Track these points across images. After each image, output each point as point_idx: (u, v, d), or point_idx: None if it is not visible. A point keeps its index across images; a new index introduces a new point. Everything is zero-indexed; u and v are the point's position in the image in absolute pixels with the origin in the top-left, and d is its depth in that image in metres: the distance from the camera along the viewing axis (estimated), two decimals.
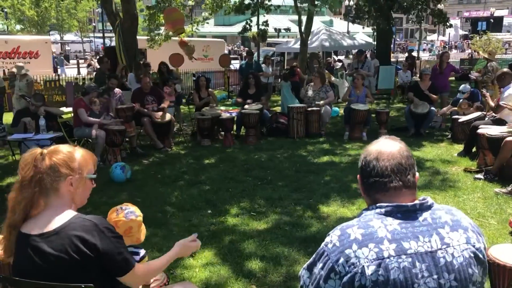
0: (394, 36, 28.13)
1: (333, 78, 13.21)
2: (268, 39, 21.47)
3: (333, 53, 21.57)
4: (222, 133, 8.54)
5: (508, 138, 5.44)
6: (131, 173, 6.21)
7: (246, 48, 30.75)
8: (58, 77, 17.10)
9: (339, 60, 18.37)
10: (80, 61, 28.31)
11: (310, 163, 6.82)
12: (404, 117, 9.20)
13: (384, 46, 17.65)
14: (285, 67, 15.68)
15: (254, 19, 16.11)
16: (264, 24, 15.62)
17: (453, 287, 1.35)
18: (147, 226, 2.43)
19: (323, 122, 8.86)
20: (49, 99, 12.10)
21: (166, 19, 11.52)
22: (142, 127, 7.92)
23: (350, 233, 1.39)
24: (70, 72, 23.89)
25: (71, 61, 32.33)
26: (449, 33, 46.17)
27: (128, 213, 2.25)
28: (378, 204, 1.44)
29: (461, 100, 8.07)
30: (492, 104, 6.75)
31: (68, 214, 1.76)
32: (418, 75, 13.38)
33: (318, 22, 26.32)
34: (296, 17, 13.94)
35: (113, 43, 13.97)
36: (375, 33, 18.51)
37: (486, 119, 6.84)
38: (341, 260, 1.35)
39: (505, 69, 7.07)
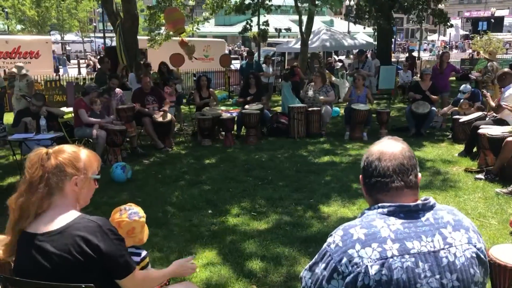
0: (394, 36, 28.12)
1: (333, 78, 13.21)
2: (268, 39, 21.49)
3: (333, 53, 21.56)
4: (223, 133, 8.54)
5: (509, 138, 5.43)
6: (132, 173, 6.21)
7: (247, 48, 30.75)
8: (59, 77, 17.10)
9: (340, 60, 18.36)
10: (81, 61, 28.33)
11: (311, 163, 6.82)
12: (404, 117, 9.20)
13: (384, 46, 17.64)
14: (286, 67, 15.69)
15: (255, 19, 16.11)
16: (265, 24, 15.63)
17: (455, 287, 1.35)
18: (148, 226, 2.43)
19: (324, 122, 8.86)
20: (50, 99, 12.09)
21: (167, 19, 11.53)
22: (143, 127, 7.92)
23: (353, 233, 1.39)
24: (71, 72, 23.93)
25: (71, 61, 32.37)
26: (450, 33, 46.15)
27: (131, 214, 2.25)
28: (380, 204, 1.44)
29: (461, 100, 8.06)
30: (492, 104, 6.74)
31: (72, 214, 1.76)
32: (418, 75, 13.36)
33: (318, 22, 26.32)
34: (296, 17, 13.94)
35: (114, 43, 13.97)
36: (375, 33, 18.49)
37: (487, 119, 6.84)
38: (344, 260, 1.35)
39: (506, 69, 7.07)
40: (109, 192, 5.47)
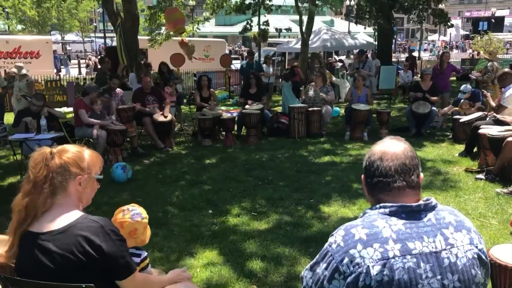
0: (395, 36, 28.11)
1: (334, 78, 13.21)
2: (269, 39, 21.49)
3: (334, 53, 21.56)
4: (223, 133, 8.54)
5: (510, 138, 5.43)
6: (132, 173, 6.21)
7: (247, 48, 30.75)
8: (59, 77, 17.11)
9: (340, 60, 18.37)
10: (81, 61, 28.32)
11: (311, 163, 6.82)
12: (405, 117, 9.20)
13: (385, 46, 17.64)
14: (286, 67, 15.68)
15: (255, 19, 16.11)
16: (265, 24, 15.62)
17: (456, 287, 1.35)
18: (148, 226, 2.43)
19: (324, 122, 8.86)
20: (50, 99, 12.11)
21: (167, 19, 11.55)
22: (143, 127, 7.92)
23: (355, 233, 1.39)
24: (73, 72, 23.94)
25: (72, 61, 32.36)
26: (450, 33, 46.12)
27: (134, 215, 2.25)
28: (382, 204, 1.44)
29: (462, 100, 8.06)
30: (493, 104, 6.74)
31: (75, 214, 1.77)
32: (419, 75, 13.37)
33: (319, 22, 26.31)
34: (297, 17, 13.94)
35: (114, 43, 13.98)
36: (376, 33, 18.49)
37: (487, 119, 6.83)
38: (346, 260, 1.35)
39: (506, 69, 7.07)
40: (110, 192, 5.47)
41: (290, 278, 3.44)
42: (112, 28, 10.86)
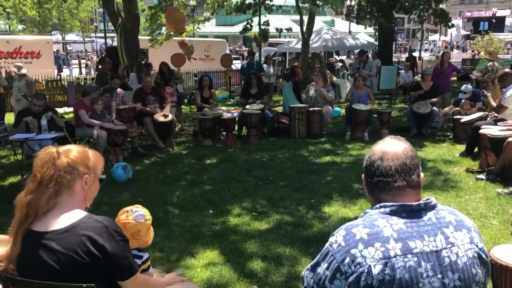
0: (396, 36, 28.09)
1: (334, 78, 13.21)
2: (269, 39, 21.48)
3: (334, 53, 21.55)
4: (224, 133, 8.55)
5: (511, 139, 5.43)
6: (133, 173, 6.21)
7: (248, 48, 30.75)
8: (60, 77, 17.12)
9: (341, 60, 18.36)
10: (82, 61, 28.36)
11: (312, 163, 6.82)
12: (405, 117, 9.19)
13: (386, 46, 17.63)
14: (286, 67, 15.68)
15: (256, 19, 16.11)
16: (265, 24, 15.62)
17: (457, 286, 1.35)
18: None
19: (325, 122, 8.85)
20: (51, 99, 12.12)
21: (168, 19, 11.55)
22: (144, 127, 7.93)
23: (356, 232, 1.39)
24: (75, 72, 23.98)
25: (72, 61, 32.38)
26: (451, 33, 46.08)
27: (137, 216, 2.25)
28: (382, 204, 1.44)
29: (463, 101, 8.05)
30: (494, 104, 6.73)
31: (79, 214, 1.77)
32: (419, 75, 13.36)
33: (319, 22, 26.30)
34: (297, 17, 13.93)
35: (115, 43, 13.99)
36: (376, 33, 18.48)
37: (488, 119, 6.83)
38: (347, 260, 1.35)
39: (507, 69, 7.07)
40: (110, 192, 5.47)
41: (290, 278, 3.44)
42: (113, 28, 10.85)
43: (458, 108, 8.17)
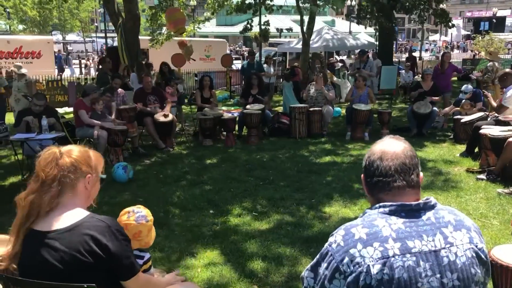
0: (397, 36, 28.07)
1: (335, 78, 13.20)
2: (270, 39, 21.48)
3: (335, 53, 21.55)
4: (224, 133, 8.55)
5: (511, 139, 5.43)
6: (133, 173, 6.22)
7: (248, 48, 30.75)
8: (60, 77, 17.12)
9: (341, 61, 18.36)
10: (82, 61, 28.36)
11: (312, 163, 6.82)
12: (406, 117, 9.19)
13: (386, 46, 17.62)
14: (287, 67, 15.68)
15: (256, 19, 16.11)
16: (265, 24, 15.61)
17: (456, 286, 1.35)
18: None
19: (325, 122, 8.85)
20: (51, 99, 12.13)
21: (168, 19, 11.56)
22: (144, 127, 7.93)
23: (355, 232, 1.39)
24: (77, 72, 23.98)
25: (73, 61, 32.39)
26: (452, 33, 46.06)
27: (139, 217, 2.25)
28: (381, 204, 1.44)
29: (463, 101, 8.05)
30: (494, 104, 6.73)
31: (81, 213, 1.78)
32: (420, 75, 13.36)
33: (320, 22, 26.28)
34: (298, 17, 13.92)
35: (116, 43, 14.00)
36: (377, 33, 18.46)
37: (489, 119, 6.83)
38: (346, 259, 1.35)
39: (507, 70, 7.06)
40: (111, 192, 5.47)
41: (291, 278, 3.44)
42: (113, 28, 10.86)
43: (458, 108, 8.17)
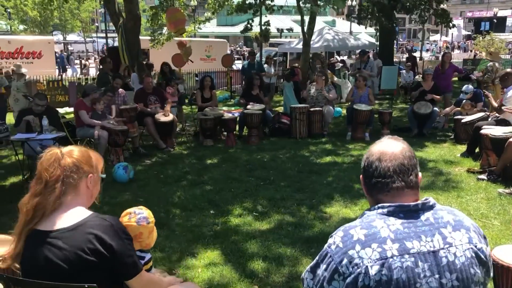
0: (397, 36, 28.06)
1: (335, 79, 13.19)
2: (270, 39, 21.49)
3: (335, 53, 21.55)
4: (225, 133, 8.55)
5: None
6: (134, 173, 6.22)
7: (249, 48, 30.76)
8: (61, 77, 17.14)
9: (342, 61, 18.36)
10: (82, 61, 28.38)
11: (313, 164, 6.82)
12: (406, 117, 9.18)
13: (387, 46, 17.61)
14: (287, 68, 15.68)
15: (256, 19, 16.10)
16: (266, 24, 15.61)
17: (455, 286, 1.35)
18: None
19: (326, 122, 8.85)
20: (52, 99, 12.14)
21: (169, 19, 11.56)
22: (145, 127, 7.93)
23: (353, 233, 1.39)
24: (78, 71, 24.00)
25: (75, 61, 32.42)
26: (452, 34, 46.03)
27: (140, 219, 2.25)
28: (380, 205, 1.44)
29: (464, 101, 8.05)
30: (495, 104, 6.73)
31: (84, 212, 1.79)
32: (420, 75, 13.36)
33: (320, 22, 26.27)
34: (298, 17, 13.91)
35: (116, 43, 14.01)
36: (377, 33, 18.45)
37: (489, 119, 6.83)
38: (345, 261, 1.35)
39: (509, 70, 7.05)
40: (111, 192, 5.47)
41: (291, 278, 3.44)
42: (114, 28, 10.86)
43: (459, 109, 8.17)
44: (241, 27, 15.28)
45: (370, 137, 8.23)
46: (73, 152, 1.85)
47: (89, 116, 6.92)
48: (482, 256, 1.40)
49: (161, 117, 7.77)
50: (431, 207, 1.45)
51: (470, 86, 8.30)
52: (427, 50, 39.36)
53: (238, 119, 8.61)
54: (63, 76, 20.30)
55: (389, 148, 1.49)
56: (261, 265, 3.65)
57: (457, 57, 26.43)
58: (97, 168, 1.91)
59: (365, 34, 30.57)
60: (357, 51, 17.78)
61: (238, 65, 19.79)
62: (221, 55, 17.18)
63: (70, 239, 1.69)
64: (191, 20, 18.51)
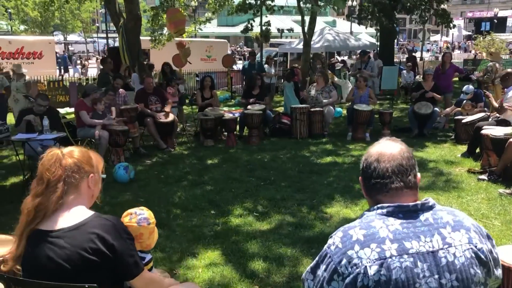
0: (397, 36, 28.04)
1: (336, 79, 13.19)
2: (271, 39, 21.50)
3: (336, 54, 21.54)
4: (225, 133, 8.55)
5: None
6: (134, 173, 6.22)
7: (249, 49, 30.76)
8: (62, 77, 17.14)
9: (342, 61, 18.36)
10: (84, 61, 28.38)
11: (313, 164, 6.82)
12: (407, 118, 9.18)
13: (387, 46, 17.60)
14: (287, 68, 15.67)
15: (257, 19, 16.10)
16: (266, 24, 15.62)
17: (455, 287, 1.35)
18: None
19: (326, 122, 8.85)
20: (53, 99, 12.12)
21: (169, 19, 11.57)
22: (145, 128, 7.93)
23: (352, 234, 1.39)
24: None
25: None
26: (453, 34, 46.02)
27: (141, 219, 2.25)
28: (379, 205, 1.45)
29: (464, 101, 8.04)
30: (495, 104, 6.72)
31: (86, 212, 1.80)
32: (420, 76, 13.35)
33: (321, 23, 26.28)
34: (299, 18, 13.91)
35: (117, 44, 14.01)
36: (378, 34, 18.43)
37: (490, 120, 6.82)
38: (344, 261, 1.36)
39: (509, 70, 7.05)
40: (112, 192, 5.47)
41: (292, 278, 3.45)
42: (115, 28, 10.87)
43: (459, 109, 8.17)
44: (241, 27, 15.28)
45: (370, 138, 8.23)
46: (73, 152, 1.86)
47: (89, 116, 6.92)
48: (482, 256, 1.40)
49: (162, 117, 7.78)
50: (431, 208, 1.45)
51: (471, 87, 8.30)
52: (428, 50, 39.34)
53: (238, 119, 8.61)
54: (65, 76, 20.29)
55: (388, 149, 1.50)
56: (261, 265, 3.65)
57: (458, 57, 26.41)
58: (97, 168, 1.92)
59: (366, 35, 30.56)
60: (358, 52, 17.78)
61: (238, 65, 19.79)
62: (221, 55, 17.19)
63: (73, 238, 1.69)
64: (192, 20, 18.51)
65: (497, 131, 5.90)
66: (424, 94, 8.59)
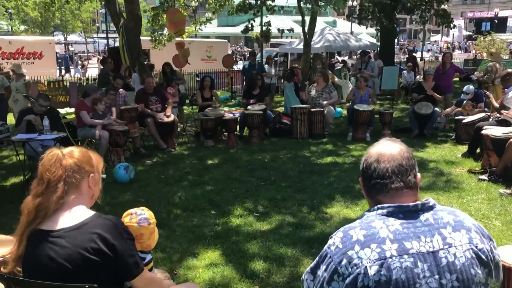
0: (398, 36, 28.04)
1: (336, 79, 13.19)
2: (271, 39, 21.50)
3: (336, 54, 21.53)
4: (226, 133, 8.55)
5: None
6: (135, 173, 6.22)
7: (249, 49, 30.77)
8: (62, 77, 17.14)
9: (342, 61, 18.36)
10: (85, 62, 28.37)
11: (314, 164, 6.82)
12: (407, 118, 9.18)
13: (387, 46, 17.60)
14: (287, 68, 15.66)
15: (257, 19, 16.10)
16: (266, 24, 15.63)
17: (455, 287, 1.35)
18: None
19: (327, 122, 8.85)
20: (53, 100, 12.11)
21: (169, 20, 11.58)
22: (146, 128, 7.93)
23: (353, 234, 1.39)
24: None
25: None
26: (453, 34, 46.02)
27: (141, 220, 2.25)
28: (379, 205, 1.45)
29: (465, 101, 8.04)
30: (496, 105, 6.72)
31: (87, 212, 1.80)
32: (421, 76, 13.36)
33: (321, 23, 26.26)
34: (299, 18, 13.91)
35: (117, 44, 14.01)
36: (378, 34, 18.43)
37: (490, 120, 6.82)
38: (344, 261, 1.35)
39: (510, 70, 7.05)
40: (112, 193, 5.47)
41: (292, 278, 3.45)
42: (115, 28, 10.88)
43: (460, 109, 8.16)
44: (242, 27, 15.28)
45: (371, 138, 8.23)
46: (73, 152, 1.87)
47: (90, 116, 6.92)
48: (483, 257, 1.40)
49: (162, 117, 7.78)
50: (431, 208, 1.45)
51: (471, 87, 8.29)
52: (428, 51, 39.33)
53: (239, 119, 8.61)
54: (65, 76, 20.29)
55: (387, 149, 1.50)
56: (262, 265, 3.65)
57: (458, 57, 26.40)
58: (97, 168, 1.93)
59: (366, 35, 30.56)
60: (358, 52, 17.77)
61: (239, 65, 19.79)
62: (222, 55, 17.18)
63: (74, 238, 1.69)
64: (192, 20, 18.52)
65: (498, 131, 5.90)
66: (424, 94, 8.59)
